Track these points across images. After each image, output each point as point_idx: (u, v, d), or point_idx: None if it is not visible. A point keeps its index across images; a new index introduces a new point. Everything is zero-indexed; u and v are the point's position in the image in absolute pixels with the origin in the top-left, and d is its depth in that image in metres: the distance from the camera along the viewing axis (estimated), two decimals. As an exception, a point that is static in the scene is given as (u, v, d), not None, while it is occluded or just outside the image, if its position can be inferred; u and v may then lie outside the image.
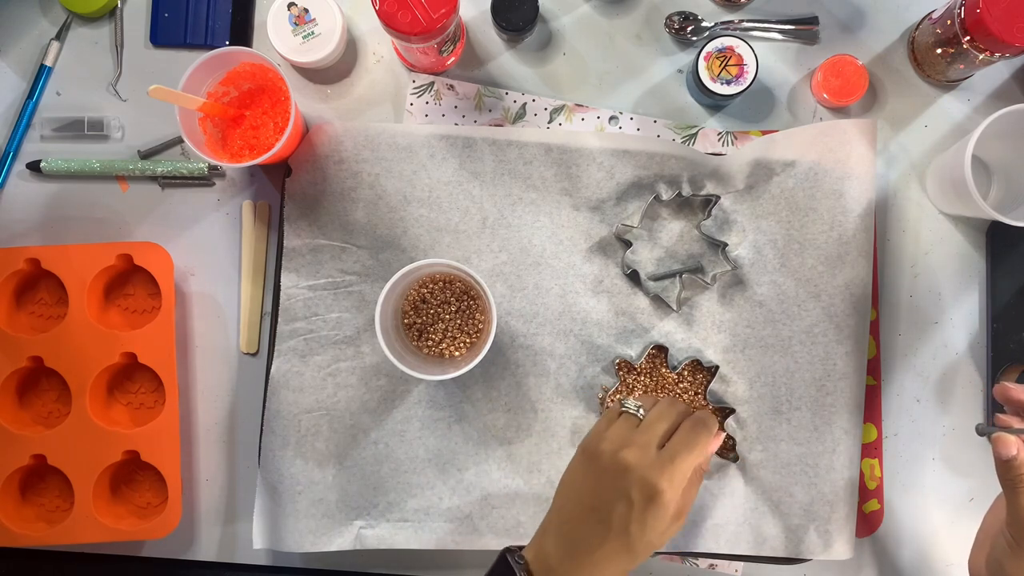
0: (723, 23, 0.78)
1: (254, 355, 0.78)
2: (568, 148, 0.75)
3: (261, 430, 0.75)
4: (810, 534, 0.73)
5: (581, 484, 0.60)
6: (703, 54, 0.73)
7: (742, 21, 0.78)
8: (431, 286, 0.72)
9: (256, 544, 0.74)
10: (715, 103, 0.78)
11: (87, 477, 0.74)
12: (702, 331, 0.75)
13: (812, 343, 0.74)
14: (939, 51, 0.73)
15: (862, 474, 0.76)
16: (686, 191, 0.75)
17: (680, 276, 0.75)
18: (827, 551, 0.73)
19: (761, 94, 0.78)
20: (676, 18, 0.78)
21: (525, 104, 0.78)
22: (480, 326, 0.72)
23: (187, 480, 0.78)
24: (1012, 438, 0.58)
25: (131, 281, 0.79)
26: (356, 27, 0.79)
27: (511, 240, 0.76)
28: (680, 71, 0.79)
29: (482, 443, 0.75)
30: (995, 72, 0.78)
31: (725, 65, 0.74)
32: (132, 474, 0.79)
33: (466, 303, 0.72)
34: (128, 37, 0.79)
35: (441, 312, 0.72)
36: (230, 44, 0.78)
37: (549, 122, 0.78)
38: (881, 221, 0.78)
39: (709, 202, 0.75)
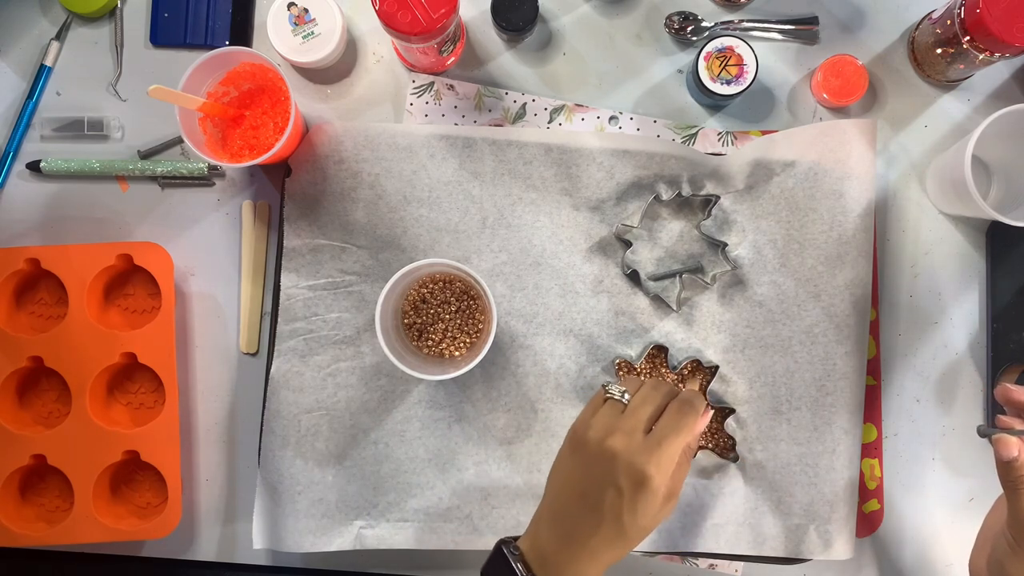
0: (723, 23, 0.78)
1: (254, 355, 0.78)
2: (568, 148, 0.75)
3: (261, 430, 0.75)
4: (810, 534, 0.73)
5: (570, 473, 0.60)
6: (703, 54, 0.73)
7: (742, 21, 0.78)
8: (431, 286, 0.72)
9: (256, 544, 0.74)
10: (715, 103, 0.78)
11: (87, 477, 0.74)
12: (702, 331, 0.75)
13: (812, 343, 0.74)
14: (939, 51, 0.73)
15: (862, 474, 0.76)
16: (686, 191, 0.75)
17: (680, 276, 0.75)
18: (827, 551, 0.73)
19: (761, 94, 0.78)
20: (676, 18, 0.78)
21: (525, 104, 0.78)
22: (480, 326, 0.72)
23: (187, 480, 0.78)
24: (1013, 439, 0.58)
25: (131, 281, 0.79)
26: (356, 27, 0.79)
27: (511, 240, 0.76)
28: (680, 71, 0.79)
29: (482, 443, 0.75)
30: (995, 72, 0.78)
31: (725, 65, 0.74)
32: (132, 474, 0.79)
33: (466, 303, 0.72)
34: (128, 37, 0.79)
35: (441, 312, 0.72)
36: (230, 44, 0.78)
37: (549, 122, 0.78)
38: (881, 221, 0.78)
39: (709, 202, 0.75)
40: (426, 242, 0.75)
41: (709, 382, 0.75)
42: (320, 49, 0.74)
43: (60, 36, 0.79)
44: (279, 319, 0.75)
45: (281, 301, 0.75)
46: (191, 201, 0.79)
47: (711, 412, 0.62)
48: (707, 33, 0.78)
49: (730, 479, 0.74)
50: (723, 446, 0.74)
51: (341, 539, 0.74)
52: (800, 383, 0.74)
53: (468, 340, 0.72)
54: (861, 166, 0.73)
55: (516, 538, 0.61)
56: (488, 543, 0.73)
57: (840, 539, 0.73)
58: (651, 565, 0.78)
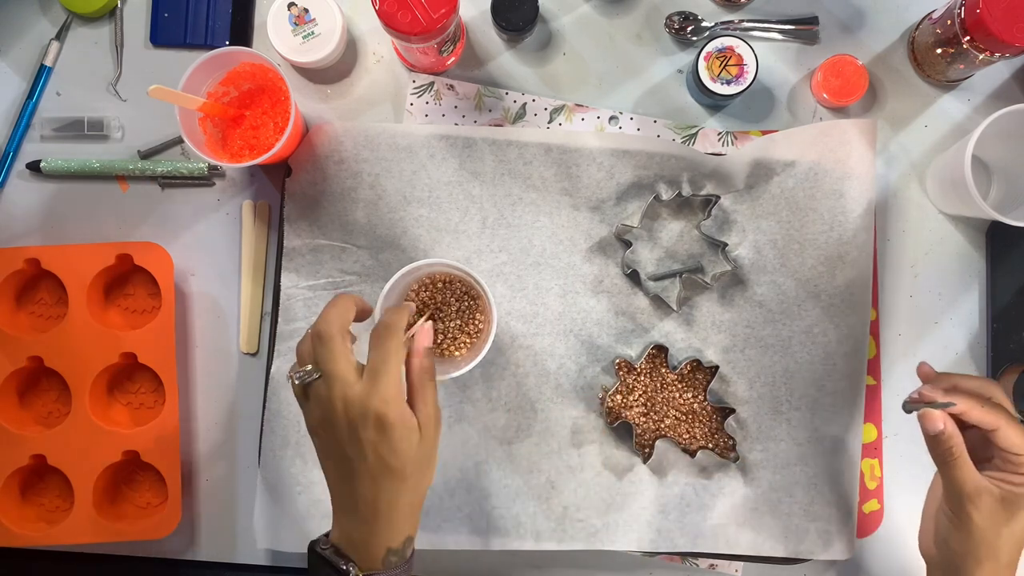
0: (723, 23, 0.78)
1: (254, 355, 0.78)
2: (568, 148, 0.75)
3: (261, 430, 0.75)
4: (810, 534, 0.73)
5: (325, 464, 0.58)
6: (703, 54, 0.73)
7: (742, 21, 0.78)
8: (431, 286, 0.72)
9: (256, 544, 0.74)
10: (715, 103, 0.78)
11: (87, 477, 0.74)
12: (702, 331, 0.75)
13: (812, 343, 0.74)
14: (939, 51, 0.73)
15: (862, 474, 0.76)
16: (686, 191, 0.75)
17: (680, 276, 0.75)
18: (827, 551, 0.73)
19: (761, 94, 0.78)
20: (676, 18, 0.78)
21: (525, 104, 0.78)
22: (480, 326, 0.72)
23: (187, 480, 0.78)
24: (937, 412, 0.58)
25: (131, 281, 0.79)
26: (356, 27, 0.79)
27: (511, 240, 0.76)
28: (680, 71, 0.79)
29: (482, 443, 0.75)
30: (995, 72, 0.78)
31: (725, 65, 0.74)
32: (132, 474, 0.79)
33: (466, 303, 0.72)
34: (128, 37, 0.79)
35: (441, 312, 0.72)
36: (230, 44, 0.78)
37: (549, 122, 0.78)
38: (881, 221, 0.78)
39: (709, 202, 0.75)
40: (426, 242, 0.75)
41: (709, 382, 0.75)
42: (320, 49, 0.74)
43: (60, 36, 0.79)
44: (279, 319, 0.75)
45: (281, 301, 0.75)
46: (191, 201, 0.79)
47: (429, 326, 0.59)
48: (707, 33, 0.78)
49: (730, 479, 0.74)
50: (723, 446, 0.74)
51: (341, 539, 0.74)
52: (800, 383, 0.74)
53: (468, 340, 0.72)
54: (861, 166, 0.73)
55: (327, 534, 0.59)
56: (488, 543, 0.74)
57: (840, 539, 0.73)
58: (651, 565, 0.78)
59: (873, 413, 0.77)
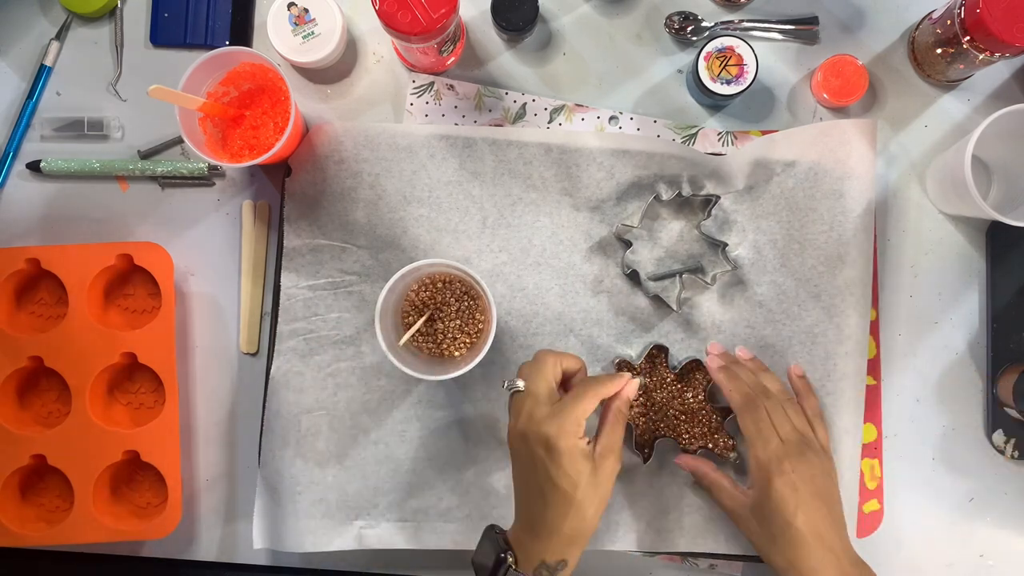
0: (723, 23, 0.78)
1: (254, 355, 0.78)
2: (568, 148, 0.75)
3: (261, 430, 0.75)
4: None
5: (514, 470, 0.64)
6: (703, 54, 0.73)
7: (742, 21, 0.78)
8: (431, 286, 0.72)
9: (256, 544, 0.74)
10: (715, 103, 0.78)
11: (87, 477, 0.74)
12: (702, 331, 0.75)
13: (812, 343, 0.74)
14: (939, 51, 0.73)
15: (862, 474, 0.76)
16: (686, 191, 0.75)
17: (680, 276, 0.75)
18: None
19: (761, 94, 0.78)
20: (676, 18, 0.78)
21: (525, 104, 0.78)
22: (480, 326, 0.72)
23: (187, 480, 0.78)
24: (688, 458, 0.72)
25: (131, 281, 0.79)
26: (356, 27, 0.79)
27: (511, 240, 0.76)
28: (680, 71, 0.79)
29: (482, 443, 0.75)
30: (995, 72, 0.78)
31: (725, 65, 0.74)
32: (132, 474, 0.79)
33: (466, 303, 0.72)
34: (128, 37, 0.79)
35: (441, 312, 0.72)
36: (230, 44, 0.78)
37: (549, 122, 0.78)
38: (881, 221, 0.78)
39: (709, 202, 0.75)
40: (426, 242, 0.75)
41: (709, 382, 0.75)
42: (320, 49, 0.74)
43: (60, 36, 0.79)
44: (279, 319, 0.75)
45: (281, 301, 0.75)
46: (191, 201, 0.79)
47: (629, 378, 0.65)
48: (707, 33, 0.78)
49: (730, 479, 0.74)
50: (723, 446, 0.74)
51: (341, 539, 0.74)
52: (800, 383, 0.74)
53: (468, 340, 0.72)
54: (861, 166, 0.73)
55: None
56: (489, 543, 0.74)
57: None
58: (651, 565, 0.78)
59: (873, 413, 0.77)
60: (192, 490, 0.78)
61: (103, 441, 0.74)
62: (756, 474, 0.66)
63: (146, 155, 0.79)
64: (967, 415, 0.77)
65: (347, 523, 0.74)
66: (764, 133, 0.78)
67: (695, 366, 0.75)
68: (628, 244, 0.75)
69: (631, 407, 0.74)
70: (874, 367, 0.77)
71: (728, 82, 0.74)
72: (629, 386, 0.65)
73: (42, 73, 0.78)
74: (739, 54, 0.73)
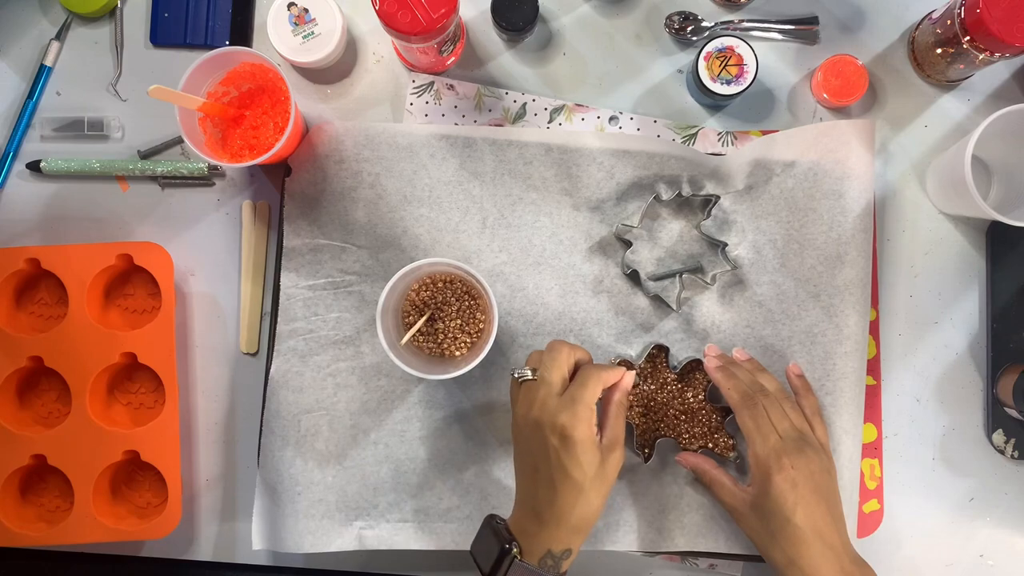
0: (723, 23, 0.78)
1: (254, 355, 0.78)
2: (568, 148, 0.75)
3: (261, 430, 0.75)
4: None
5: (519, 457, 0.65)
6: (703, 54, 0.73)
7: (742, 21, 0.78)
8: (432, 286, 0.72)
9: (255, 545, 0.74)
10: (715, 103, 0.78)
11: (87, 477, 0.74)
12: (702, 331, 0.75)
13: (812, 343, 0.74)
14: (939, 51, 0.73)
15: (862, 474, 0.76)
16: (686, 191, 0.75)
17: (680, 276, 0.75)
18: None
19: (761, 94, 0.78)
20: (676, 18, 0.78)
21: (525, 104, 0.78)
22: (481, 326, 0.72)
23: (187, 480, 0.78)
24: (689, 456, 0.72)
25: (131, 281, 0.79)
26: (356, 27, 0.79)
27: (511, 240, 0.76)
28: (680, 71, 0.79)
29: (482, 443, 0.75)
30: (995, 72, 0.78)
31: (725, 65, 0.74)
32: (132, 474, 0.79)
33: (467, 303, 0.72)
34: (128, 37, 0.79)
35: (442, 312, 0.72)
36: (230, 44, 0.78)
37: (549, 122, 0.78)
38: (881, 221, 0.78)
39: (709, 202, 0.75)
40: (426, 242, 0.75)
41: (709, 382, 0.75)
42: (320, 49, 0.74)
43: (60, 36, 0.79)
44: (279, 319, 0.75)
45: (281, 301, 0.75)
46: (191, 201, 0.79)
47: (623, 370, 0.66)
48: (707, 33, 0.78)
49: (730, 479, 0.74)
50: (723, 446, 0.74)
51: (341, 539, 0.74)
52: (800, 383, 0.74)
53: (469, 340, 0.72)
54: (860, 166, 0.73)
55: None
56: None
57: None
58: (651, 565, 0.78)
59: (873, 413, 0.77)
60: (192, 490, 0.78)
61: (103, 441, 0.74)
62: (755, 471, 0.66)
63: (146, 155, 0.79)
64: (967, 415, 0.77)
65: (347, 523, 0.74)
66: (764, 133, 0.78)
67: (695, 366, 0.75)
68: (628, 244, 0.75)
69: (631, 407, 0.74)
70: (874, 367, 0.77)
71: (728, 82, 0.74)
72: (627, 377, 0.67)
73: (42, 73, 0.78)
74: (739, 54, 0.73)
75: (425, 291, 0.72)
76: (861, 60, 0.75)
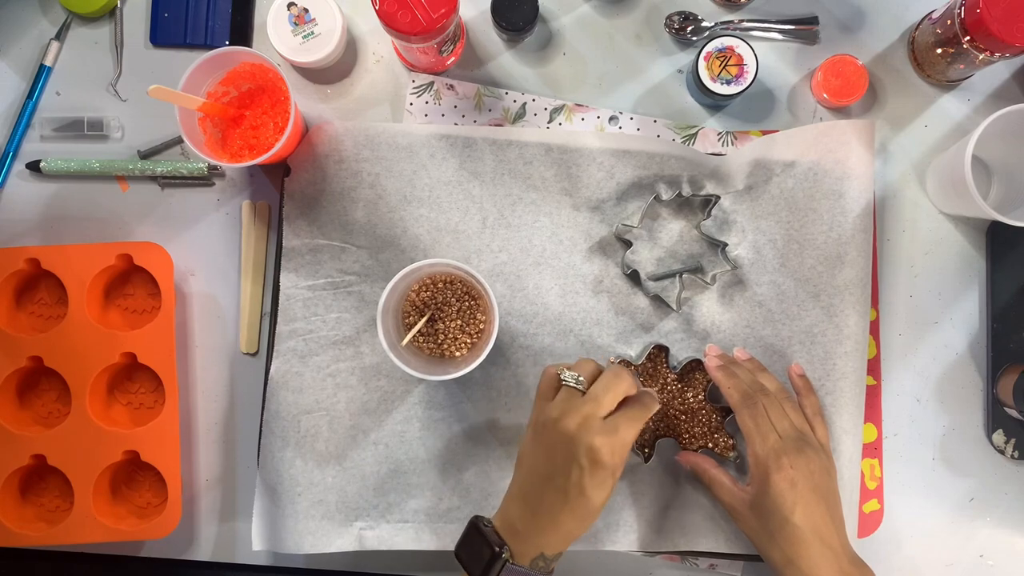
0: (723, 23, 0.78)
1: (254, 355, 0.78)
2: (568, 148, 0.75)
3: (261, 430, 0.75)
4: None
5: (535, 456, 0.63)
6: (703, 54, 0.73)
7: (742, 21, 0.78)
8: (432, 286, 0.72)
9: (255, 545, 0.74)
10: (715, 103, 0.78)
11: (87, 477, 0.74)
12: (702, 331, 0.75)
13: (812, 343, 0.74)
14: (939, 51, 0.73)
15: (862, 474, 0.76)
16: (686, 191, 0.75)
17: (680, 276, 0.75)
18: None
19: (761, 94, 0.78)
20: (676, 18, 0.78)
21: (525, 104, 0.78)
22: (481, 326, 0.72)
23: (187, 480, 0.78)
24: (689, 455, 0.72)
25: (131, 281, 0.79)
26: (356, 27, 0.79)
27: (511, 240, 0.76)
28: (680, 71, 0.79)
29: (482, 443, 0.75)
30: (995, 72, 0.78)
31: (725, 65, 0.74)
32: (132, 474, 0.79)
33: (467, 303, 0.72)
34: (128, 37, 0.79)
35: (442, 312, 0.72)
36: (230, 44, 0.78)
37: (549, 122, 0.78)
38: (881, 221, 0.78)
39: (709, 202, 0.75)
40: (426, 242, 0.75)
41: (709, 382, 0.75)
42: (320, 49, 0.74)
43: (60, 36, 0.79)
44: (279, 319, 0.75)
45: (281, 301, 0.75)
46: (191, 201, 0.79)
47: (658, 407, 0.66)
48: (707, 33, 0.78)
49: (730, 479, 0.74)
50: (723, 445, 0.74)
51: (341, 540, 0.74)
52: (800, 383, 0.74)
53: (469, 340, 0.72)
54: (860, 166, 0.73)
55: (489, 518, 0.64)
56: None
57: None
58: (651, 565, 0.78)
59: (873, 413, 0.77)
60: (192, 490, 0.78)
61: (103, 441, 0.74)
62: (754, 470, 0.66)
63: (146, 155, 0.79)
64: (967, 415, 0.77)
65: (347, 524, 0.74)
66: (764, 133, 0.78)
67: (695, 366, 0.75)
68: (628, 244, 0.75)
69: None
70: (874, 367, 0.77)
71: (728, 82, 0.74)
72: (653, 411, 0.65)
73: (42, 73, 0.78)
74: (739, 54, 0.73)
75: (425, 292, 0.72)
76: (861, 60, 0.75)
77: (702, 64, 0.74)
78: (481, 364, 0.67)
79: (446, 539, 0.74)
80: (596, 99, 0.79)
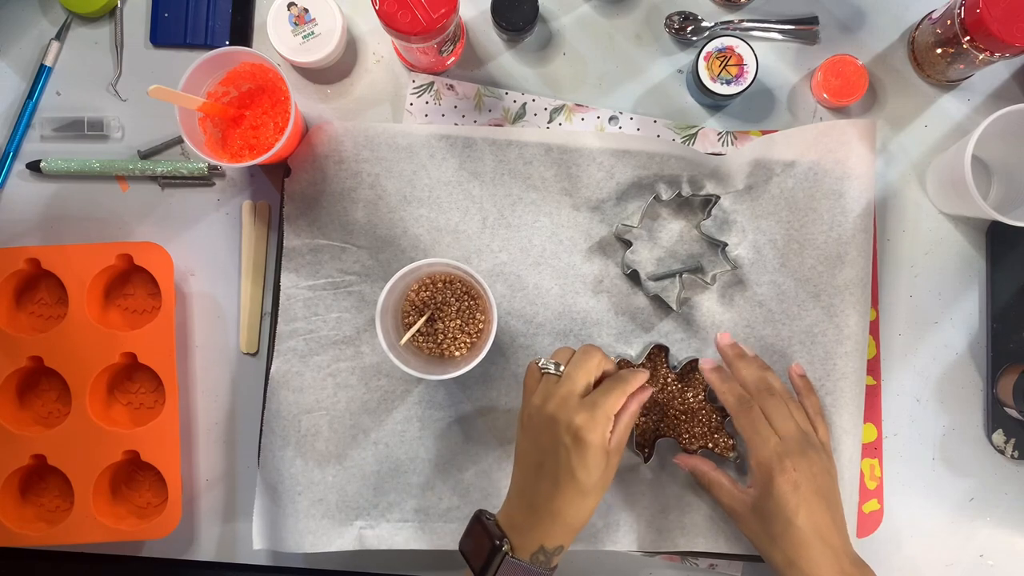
0: (723, 23, 0.78)
1: (254, 355, 0.79)
2: (568, 148, 0.75)
3: (261, 430, 0.75)
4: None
5: (525, 449, 0.64)
6: (703, 54, 0.73)
7: (742, 21, 0.78)
8: (431, 286, 0.72)
9: (256, 545, 0.74)
10: (715, 103, 0.78)
11: (87, 477, 0.74)
12: (702, 331, 0.75)
13: (812, 343, 0.74)
14: (939, 51, 0.73)
15: (862, 474, 0.76)
16: (686, 191, 0.75)
17: (680, 276, 0.75)
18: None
19: (761, 94, 0.78)
20: (676, 18, 0.78)
21: (525, 104, 0.78)
22: (481, 326, 0.72)
23: (187, 480, 0.78)
24: (687, 457, 0.72)
25: (131, 281, 0.79)
26: (356, 27, 0.79)
27: (511, 240, 0.76)
28: (680, 71, 0.79)
29: (482, 443, 0.75)
30: (995, 72, 0.78)
31: (725, 65, 0.74)
32: (132, 474, 0.79)
33: (467, 303, 0.72)
34: (128, 37, 0.79)
35: (441, 312, 0.72)
36: (230, 44, 0.78)
37: (549, 122, 0.78)
38: (881, 221, 0.78)
39: (709, 202, 0.75)
40: (426, 242, 0.75)
41: (709, 382, 0.75)
42: (320, 49, 0.74)
43: (60, 36, 0.79)
44: (279, 319, 0.75)
45: (281, 301, 0.75)
46: (191, 201, 0.79)
47: (649, 388, 0.67)
48: (707, 33, 0.78)
49: (730, 479, 0.74)
50: (723, 446, 0.74)
51: (341, 539, 0.74)
52: (800, 383, 0.74)
53: (469, 340, 0.72)
54: (861, 166, 0.73)
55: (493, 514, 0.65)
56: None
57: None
58: (651, 565, 0.78)
59: (873, 413, 0.77)
60: (192, 490, 0.78)
61: (103, 441, 0.74)
62: (757, 473, 0.66)
63: (146, 155, 0.79)
64: (967, 415, 0.77)
65: (347, 523, 0.74)
66: (764, 133, 0.78)
67: (695, 366, 0.75)
68: (628, 244, 0.75)
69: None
70: (874, 367, 0.77)
71: (728, 82, 0.74)
72: (644, 392, 0.66)
73: (42, 73, 0.78)
74: (739, 54, 0.73)
75: (425, 291, 0.72)
76: (861, 60, 0.75)
77: (702, 64, 0.74)
78: (481, 364, 0.67)
79: (446, 539, 0.74)
80: (596, 99, 0.79)
